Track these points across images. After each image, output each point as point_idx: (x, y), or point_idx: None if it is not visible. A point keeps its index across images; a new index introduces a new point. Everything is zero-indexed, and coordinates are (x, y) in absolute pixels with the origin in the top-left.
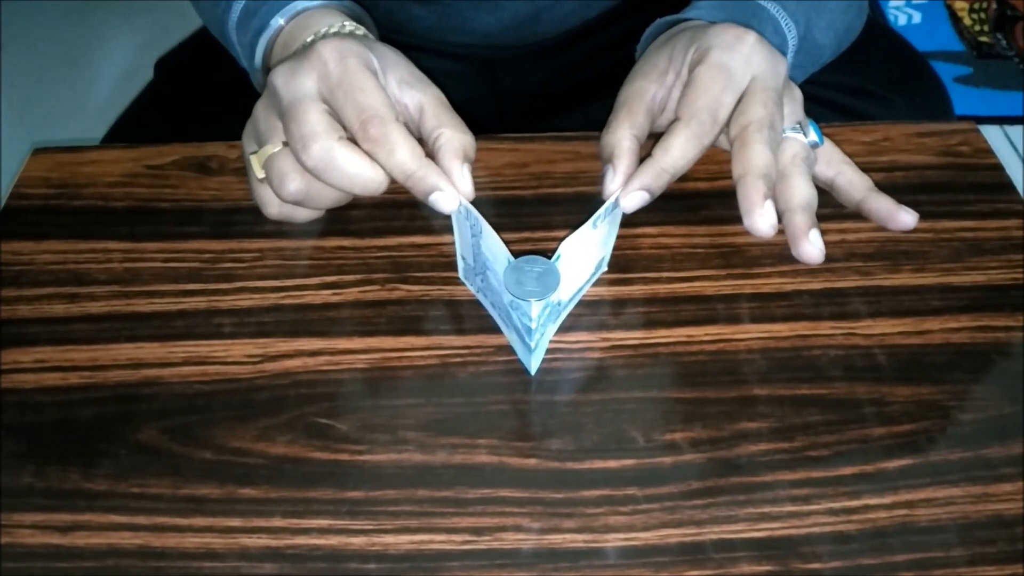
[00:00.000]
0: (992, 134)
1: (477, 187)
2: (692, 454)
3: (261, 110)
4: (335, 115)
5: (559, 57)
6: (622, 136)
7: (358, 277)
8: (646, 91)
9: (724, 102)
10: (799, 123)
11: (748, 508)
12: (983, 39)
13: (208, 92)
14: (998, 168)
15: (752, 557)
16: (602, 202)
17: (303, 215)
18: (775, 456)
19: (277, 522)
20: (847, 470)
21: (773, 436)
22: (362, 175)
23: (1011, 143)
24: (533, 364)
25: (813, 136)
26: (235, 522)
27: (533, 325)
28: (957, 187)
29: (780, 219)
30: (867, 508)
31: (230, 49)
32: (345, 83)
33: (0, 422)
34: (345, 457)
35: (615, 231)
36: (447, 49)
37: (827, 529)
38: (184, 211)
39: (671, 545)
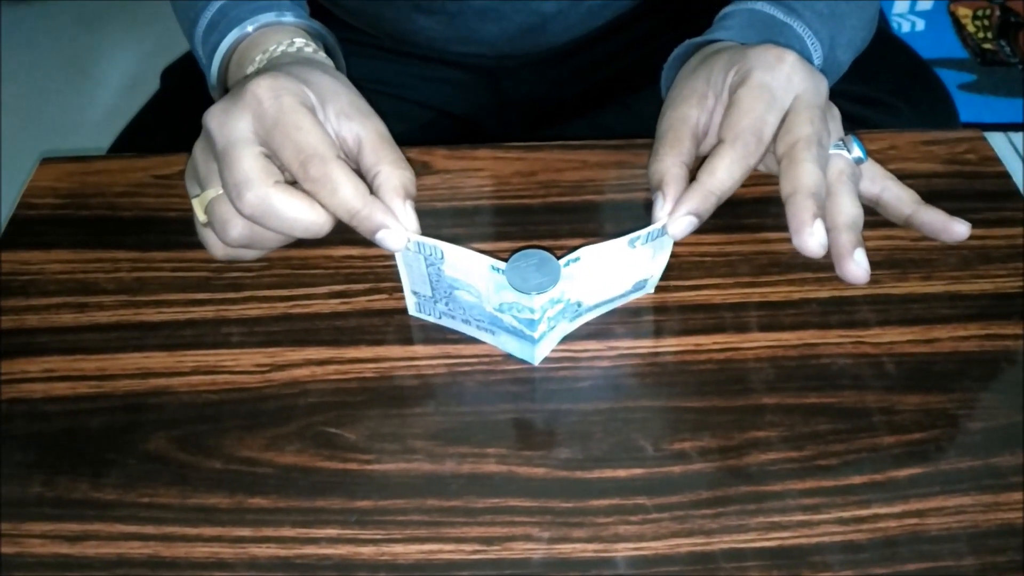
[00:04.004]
0: (996, 141)
1: (484, 195)
2: (701, 463)
3: (199, 152)
4: (273, 157)
5: (564, 66)
6: (671, 164)
7: (366, 286)
8: (689, 117)
9: (768, 122)
10: (842, 140)
11: (758, 517)
12: (987, 46)
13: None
14: (1005, 176)
15: (762, 566)
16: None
17: (251, 255)
18: (784, 465)
19: (286, 531)
20: (857, 479)
21: (782, 445)
22: (301, 219)
23: (1016, 150)
24: (537, 355)
25: (857, 152)
26: (244, 531)
27: (536, 316)
28: (964, 195)
29: None
30: (877, 517)
31: (199, 62)
32: (281, 123)
33: (9, 431)
34: (354, 466)
35: (664, 256)
36: (453, 58)
37: (837, 538)
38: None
39: (681, 554)
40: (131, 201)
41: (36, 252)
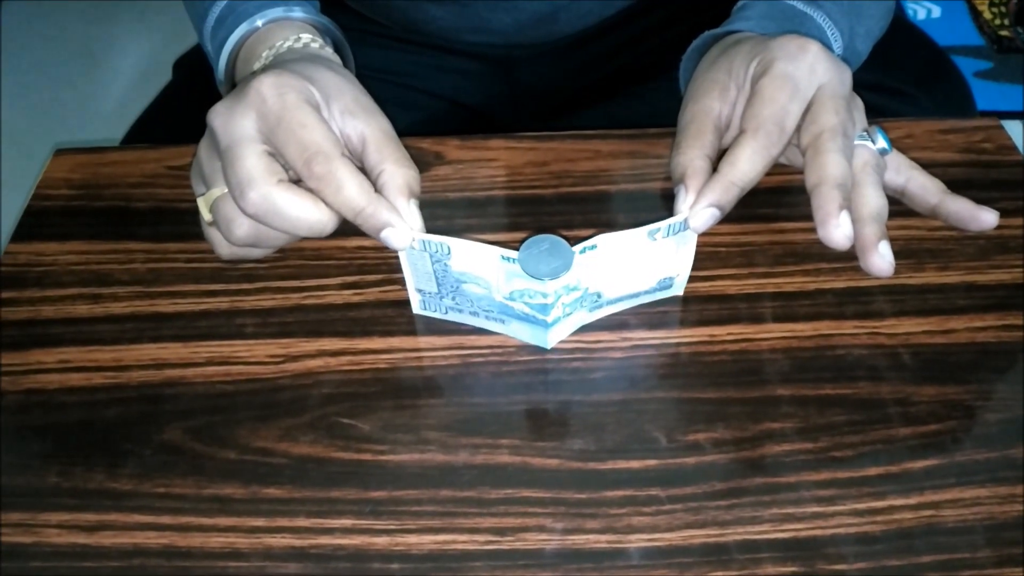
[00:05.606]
0: (1012, 129)
1: (497, 185)
2: (715, 454)
3: (204, 151)
4: (277, 155)
5: (577, 55)
6: (694, 156)
7: (379, 277)
8: (711, 109)
9: (791, 111)
10: (866, 131)
11: (772, 509)
12: (1003, 33)
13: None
14: (1022, 165)
15: (776, 558)
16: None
17: (257, 254)
18: (799, 456)
19: (301, 522)
20: (872, 470)
21: (797, 436)
22: (305, 218)
23: None
24: (550, 340)
25: (882, 143)
26: (259, 522)
27: (549, 300)
28: (981, 184)
29: None
30: (892, 509)
31: (208, 58)
32: (285, 120)
33: (25, 422)
34: (368, 457)
35: (688, 252)
36: (465, 48)
37: (852, 530)
38: None
39: (695, 546)
40: (145, 192)
41: (51, 243)
